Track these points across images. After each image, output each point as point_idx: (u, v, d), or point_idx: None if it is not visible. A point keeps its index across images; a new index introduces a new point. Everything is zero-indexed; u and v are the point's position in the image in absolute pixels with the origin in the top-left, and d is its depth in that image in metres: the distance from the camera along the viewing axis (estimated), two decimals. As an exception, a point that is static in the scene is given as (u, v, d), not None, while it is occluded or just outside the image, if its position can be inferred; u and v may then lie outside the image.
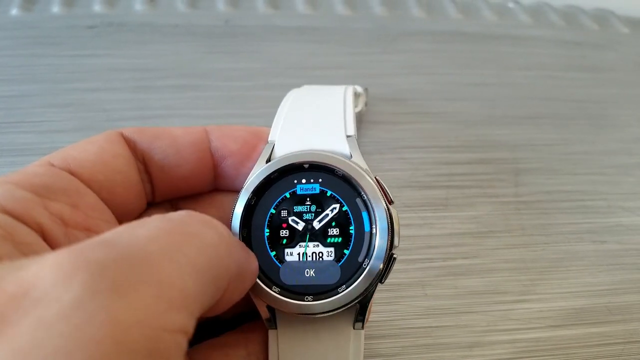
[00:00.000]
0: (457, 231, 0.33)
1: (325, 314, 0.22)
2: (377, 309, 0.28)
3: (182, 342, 0.16)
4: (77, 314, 0.13)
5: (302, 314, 0.22)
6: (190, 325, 0.16)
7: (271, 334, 0.22)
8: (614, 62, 0.47)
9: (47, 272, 0.14)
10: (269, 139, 0.24)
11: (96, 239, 0.16)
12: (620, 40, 0.50)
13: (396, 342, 0.28)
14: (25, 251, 0.17)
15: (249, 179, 0.23)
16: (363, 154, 0.24)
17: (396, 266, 0.30)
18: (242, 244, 0.21)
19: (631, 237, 0.34)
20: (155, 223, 0.17)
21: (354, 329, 0.23)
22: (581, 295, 0.30)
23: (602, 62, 0.47)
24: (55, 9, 0.44)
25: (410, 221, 0.33)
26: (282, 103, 0.26)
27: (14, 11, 0.43)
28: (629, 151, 0.39)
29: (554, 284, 0.31)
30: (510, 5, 0.52)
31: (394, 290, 0.30)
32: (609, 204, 0.35)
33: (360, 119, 0.38)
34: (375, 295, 0.25)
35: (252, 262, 0.21)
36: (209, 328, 0.24)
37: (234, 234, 0.22)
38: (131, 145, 0.23)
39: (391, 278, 0.30)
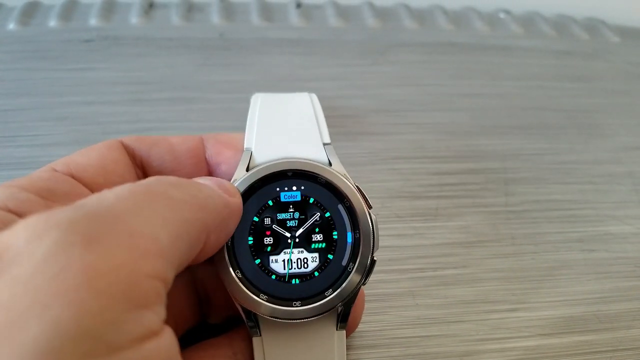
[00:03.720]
0: (448, 241, 0.33)
1: (313, 318, 0.22)
2: (366, 319, 0.29)
3: (161, 289, 0.16)
4: (51, 267, 0.14)
5: (292, 319, 0.22)
6: (168, 273, 0.16)
7: (255, 340, 0.23)
8: (604, 71, 0.48)
9: (19, 234, 0.15)
10: (245, 147, 0.25)
11: (65, 206, 0.16)
12: (610, 50, 0.50)
13: (386, 352, 0.28)
14: None
15: None
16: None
17: (386, 276, 0.31)
18: (219, 192, 0.20)
19: (620, 245, 0.34)
20: (124, 187, 0.18)
21: (337, 330, 0.23)
22: (570, 304, 0.31)
23: (592, 71, 0.47)
24: (52, 23, 0.44)
25: (401, 231, 0.33)
26: (251, 109, 0.27)
27: (11, 25, 0.44)
28: (618, 160, 0.40)
29: (543, 292, 0.31)
30: (502, 15, 0.53)
31: (384, 300, 0.30)
32: (597, 213, 0.36)
33: (351, 130, 0.38)
34: (365, 305, 0.26)
35: (234, 209, 0.21)
36: (199, 334, 0.24)
37: None
38: (130, 152, 0.24)
39: (381, 288, 0.30)
